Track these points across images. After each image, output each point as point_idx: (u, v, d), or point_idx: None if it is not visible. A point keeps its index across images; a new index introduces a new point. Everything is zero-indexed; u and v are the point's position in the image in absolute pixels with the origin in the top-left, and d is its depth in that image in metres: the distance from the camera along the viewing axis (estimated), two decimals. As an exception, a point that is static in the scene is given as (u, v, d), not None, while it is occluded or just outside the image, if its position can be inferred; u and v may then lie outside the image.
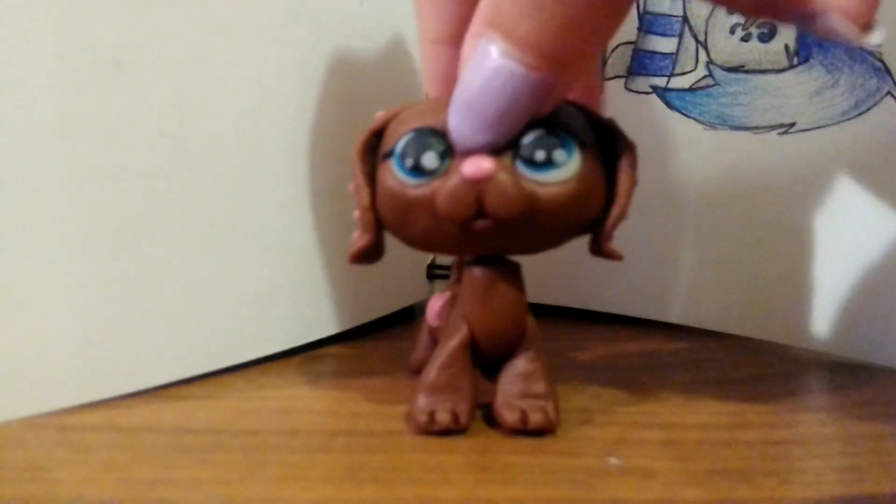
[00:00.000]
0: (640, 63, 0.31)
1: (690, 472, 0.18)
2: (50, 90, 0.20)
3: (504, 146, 0.19)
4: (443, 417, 0.20)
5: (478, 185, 0.19)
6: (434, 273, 0.34)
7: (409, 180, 0.20)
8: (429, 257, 0.34)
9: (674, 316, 0.32)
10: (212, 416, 0.21)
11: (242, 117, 0.24)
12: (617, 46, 0.31)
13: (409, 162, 0.20)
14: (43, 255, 0.20)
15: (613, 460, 0.19)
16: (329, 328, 0.28)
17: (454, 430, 0.20)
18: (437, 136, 0.20)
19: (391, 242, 0.23)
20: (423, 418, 0.20)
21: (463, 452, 0.19)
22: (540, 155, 0.19)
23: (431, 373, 0.21)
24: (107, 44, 0.21)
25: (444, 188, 0.19)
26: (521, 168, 0.19)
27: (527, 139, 0.19)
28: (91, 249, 0.21)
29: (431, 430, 0.20)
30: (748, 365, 0.27)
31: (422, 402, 0.20)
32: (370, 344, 0.29)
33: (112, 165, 0.21)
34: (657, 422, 0.21)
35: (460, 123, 0.19)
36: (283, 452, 0.19)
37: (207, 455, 0.18)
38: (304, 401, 0.23)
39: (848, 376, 0.26)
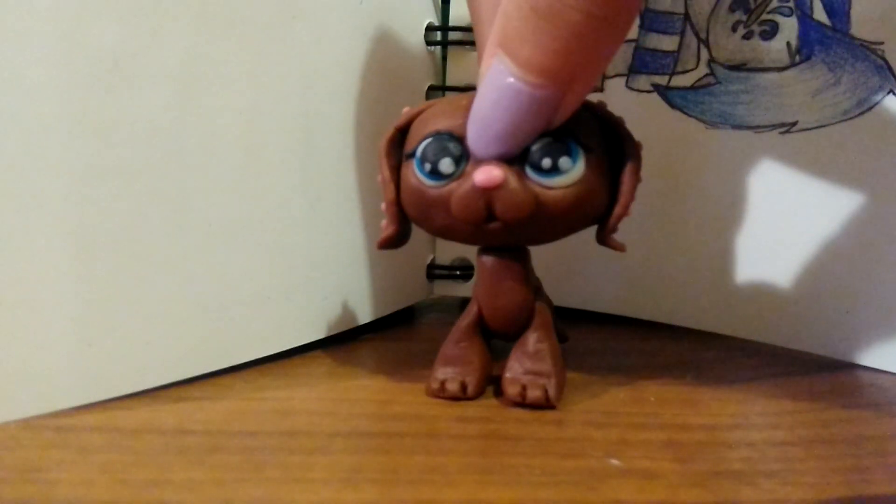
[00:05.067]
0: (642, 61, 0.31)
1: (692, 473, 0.18)
2: (49, 90, 0.20)
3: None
4: (452, 386, 0.23)
5: (488, 192, 0.20)
6: (434, 273, 0.34)
7: (428, 182, 0.22)
8: (429, 258, 0.34)
9: (673, 317, 0.32)
10: (210, 417, 0.21)
11: (241, 117, 0.24)
12: (618, 45, 0.31)
13: (428, 166, 0.21)
14: (40, 255, 0.20)
15: (614, 461, 0.19)
16: (328, 329, 0.28)
17: (462, 398, 0.23)
18: (454, 140, 0.21)
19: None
20: (435, 386, 0.23)
21: (464, 454, 0.19)
22: (546, 162, 0.21)
23: (446, 347, 0.23)
24: (107, 44, 0.21)
25: (456, 193, 0.21)
26: (529, 172, 0.21)
27: (535, 146, 0.21)
28: (89, 250, 0.21)
29: (442, 396, 0.23)
30: (749, 366, 0.27)
31: (437, 371, 0.23)
32: (370, 344, 0.29)
33: (111, 165, 0.21)
34: (658, 423, 0.21)
35: (476, 135, 0.21)
36: (281, 454, 0.19)
37: (205, 456, 0.18)
38: (302, 402, 0.23)
39: (851, 378, 0.26)
